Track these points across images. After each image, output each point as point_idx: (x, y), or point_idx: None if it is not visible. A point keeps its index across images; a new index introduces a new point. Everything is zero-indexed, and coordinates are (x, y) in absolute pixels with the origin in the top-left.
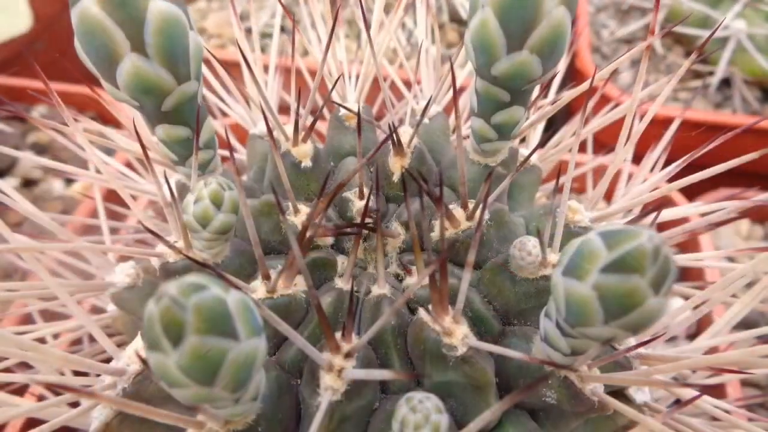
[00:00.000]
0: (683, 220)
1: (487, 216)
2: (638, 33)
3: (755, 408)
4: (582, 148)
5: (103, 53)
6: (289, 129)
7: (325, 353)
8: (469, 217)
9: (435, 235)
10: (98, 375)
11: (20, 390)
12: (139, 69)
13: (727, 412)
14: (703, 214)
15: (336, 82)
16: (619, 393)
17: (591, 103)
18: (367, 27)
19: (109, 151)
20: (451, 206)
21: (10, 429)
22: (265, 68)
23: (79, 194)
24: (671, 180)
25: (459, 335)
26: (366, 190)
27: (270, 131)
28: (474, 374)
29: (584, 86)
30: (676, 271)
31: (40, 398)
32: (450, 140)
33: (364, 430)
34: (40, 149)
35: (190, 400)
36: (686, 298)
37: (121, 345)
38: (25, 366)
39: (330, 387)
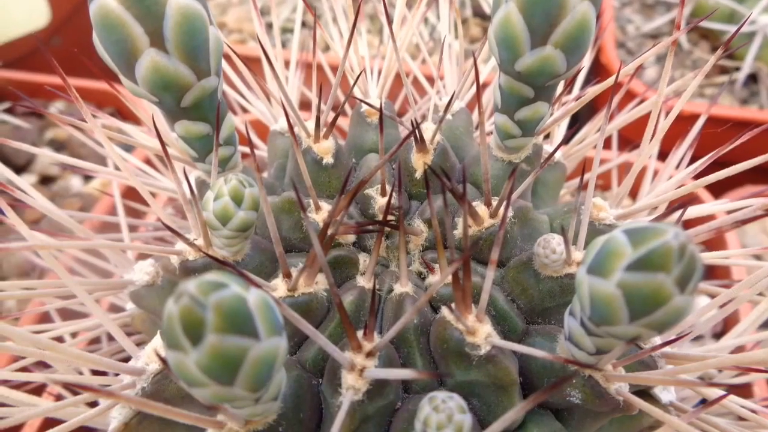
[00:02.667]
0: (709, 218)
1: (510, 213)
2: (664, 28)
3: None
4: (607, 144)
5: (121, 48)
6: (311, 125)
7: (346, 352)
8: (493, 215)
9: (458, 232)
10: (117, 374)
11: (38, 390)
12: (158, 64)
13: (753, 411)
14: (730, 212)
15: (358, 78)
16: (644, 392)
17: (616, 99)
18: (390, 22)
19: (128, 148)
20: (474, 203)
21: (27, 429)
22: (286, 64)
23: (97, 191)
24: (697, 177)
25: (482, 334)
26: (388, 187)
27: (291, 127)
28: (497, 373)
29: (609, 82)
30: (702, 269)
31: (58, 398)
32: (473, 137)
33: (386, 430)
34: (58, 146)
35: (209, 399)
36: (712, 296)
37: (140, 344)
38: (42, 365)
39: (352, 386)
